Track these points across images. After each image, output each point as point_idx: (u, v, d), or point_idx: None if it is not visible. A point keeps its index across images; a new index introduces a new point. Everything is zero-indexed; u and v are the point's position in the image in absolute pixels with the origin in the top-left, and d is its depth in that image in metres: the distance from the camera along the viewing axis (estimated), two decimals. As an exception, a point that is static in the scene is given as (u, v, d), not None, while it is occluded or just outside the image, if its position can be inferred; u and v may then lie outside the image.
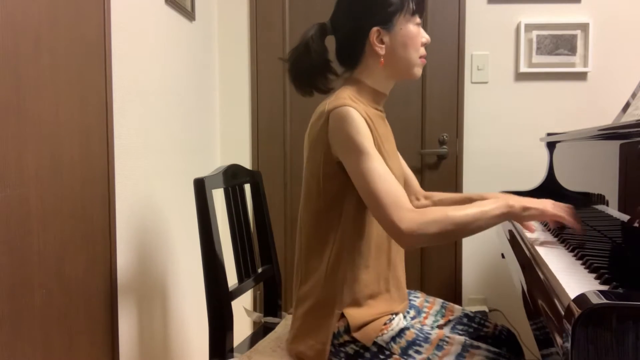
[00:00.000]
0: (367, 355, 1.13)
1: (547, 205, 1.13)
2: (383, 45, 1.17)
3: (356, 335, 1.12)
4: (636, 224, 0.97)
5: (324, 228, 1.17)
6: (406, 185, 1.45)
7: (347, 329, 1.14)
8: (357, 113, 1.09)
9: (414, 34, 1.18)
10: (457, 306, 1.37)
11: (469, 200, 1.38)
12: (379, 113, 1.22)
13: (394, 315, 1.18)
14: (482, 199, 1.32)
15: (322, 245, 1.17)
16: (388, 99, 1.28)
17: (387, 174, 1.06)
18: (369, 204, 1.07)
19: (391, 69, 1.20)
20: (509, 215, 1.08)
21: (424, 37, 1.21)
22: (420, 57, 1.21)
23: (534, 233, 1.34)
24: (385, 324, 1.14)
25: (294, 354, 1.20)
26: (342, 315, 1.14)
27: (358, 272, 1.16)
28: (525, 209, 1.10)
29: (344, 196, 1.14)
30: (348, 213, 1.15)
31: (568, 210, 1.17)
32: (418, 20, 1.20)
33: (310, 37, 1.20)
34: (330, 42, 1.23)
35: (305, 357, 1.16)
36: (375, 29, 1.16)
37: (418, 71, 1.22)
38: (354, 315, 1.14)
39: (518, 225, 1.40)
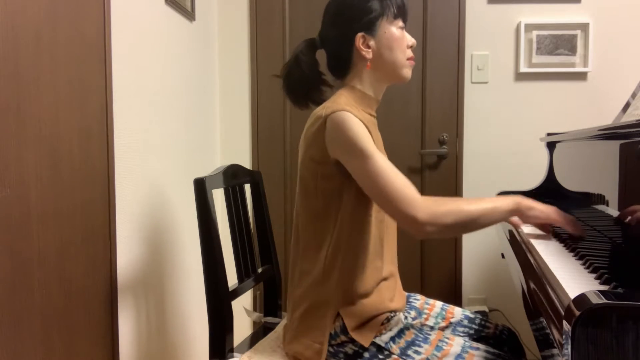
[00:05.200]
0: (366, 355, 1.13)
1: (551, 210, 1.19)
2: (369, 50, 1.21)
3: (353, 335, 1.12)
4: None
5: (321, 227, 1.17)
6: None
7: (343, 329, 1.14)
8: (354, 117, 1.11)
9: (398, 36, 1.22)
10: (457, 308, 1.38)
11: None
12: (372, 119, 1.25)
13: (392, 314, 1.18)
14: None
15: (318, 245, 1.17)
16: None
17: (392, 170, 1.08)
18: (380, 203, 1.08)
19: (380, 71, 1.23)
20: (516, 212, 1.14)
21: (409, 39, 1.25)
22: (408, 58, 1.24)
23: (526, 227, 1.35)
24: (382, 323, 1.15)
25: (292, 354, 1.20)
26: (338, 315, 1.15)
27: (353, 272, 1.16)
28: (531, 208, 1.16)
29: (341, 195, 1.15)
30: (345, 212, 1.15)
31: (569, 221, 1.20)
32: (401, 24, 1.24)
33: (300, 51, 1.26)
34: (321, 57, 1.26)
35: (303, 358, 1.16)
36: (360, 34, 1.20)
37: (407, 72, 1.25)
38: (349, 314, 1.14)
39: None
